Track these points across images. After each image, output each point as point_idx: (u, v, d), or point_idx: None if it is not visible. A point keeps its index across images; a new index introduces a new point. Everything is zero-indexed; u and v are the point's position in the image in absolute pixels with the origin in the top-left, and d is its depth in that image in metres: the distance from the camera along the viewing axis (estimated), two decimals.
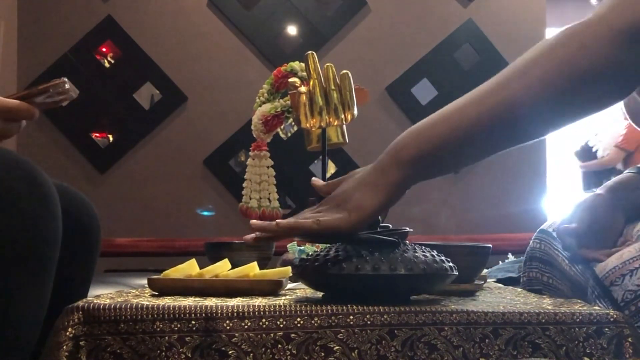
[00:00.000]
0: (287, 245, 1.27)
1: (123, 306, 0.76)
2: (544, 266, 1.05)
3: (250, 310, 0.76)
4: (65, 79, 0.87)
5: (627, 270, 0.81)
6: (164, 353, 0.74)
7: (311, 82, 1.31)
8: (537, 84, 0.70)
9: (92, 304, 0.76)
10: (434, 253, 0.82)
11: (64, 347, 0.74)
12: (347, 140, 1.51)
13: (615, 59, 0.67)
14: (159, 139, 2.87)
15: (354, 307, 0.76)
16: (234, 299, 0.84)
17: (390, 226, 1.02)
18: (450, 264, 0.83)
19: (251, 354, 0.74)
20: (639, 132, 3.29)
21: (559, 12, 3.22)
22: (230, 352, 0.73)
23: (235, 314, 0.75)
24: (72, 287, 0.98)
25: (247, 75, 2.87)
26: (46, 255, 0.79)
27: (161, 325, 0.75)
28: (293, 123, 1.57)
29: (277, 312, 0.75)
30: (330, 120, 1.32)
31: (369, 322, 0.75)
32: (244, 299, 0.84)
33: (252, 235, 0.81)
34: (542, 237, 1.06)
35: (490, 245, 1.02)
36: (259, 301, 0.81)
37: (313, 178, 0.92)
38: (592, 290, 0.86)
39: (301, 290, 1.02)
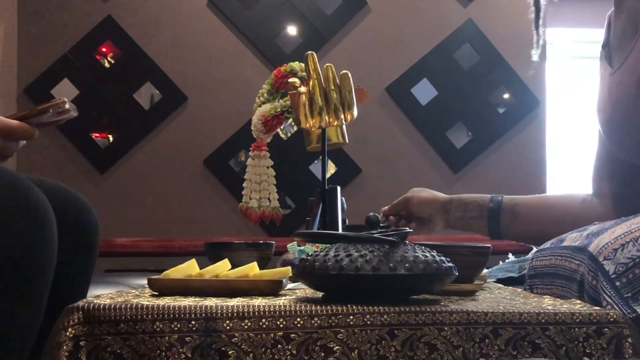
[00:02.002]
0: (287, 245, 1.27)
1: (123, 306, 0.76)
2: (540, 279, 1.06)
3: (250, 310, 0.76)
4: (65, 99, 0.88)
5: (618, 245, 0.84)
6: (164, 353, 0.74)
7: (311, 82, 1.31)
8: None
9: (92, 304, 0.76)
10: (434, 253, 0.82)
11: (64, 347, 0.74)
12: (347, 140, 1.51)
13: None
14: (159, 139, 2.87)
15: (354, 307, 0.76)
16: (234, 299, 0.84)
17: (391, 226, 1.02)
18: (450, 264, 0.83)
19: (251, 354, 0.74)
20: None
21: (559, 12, 3.22)
22: (230, 352, 0.74)
23: (235, 314, 0.75)
24: (72, 288, 0.98)
25: (247, 75, 2.86)
26: (40, 281, 0.79)
27: (161, 325, 0.75)
28: (293, 123, 1.57)
29: (277, 312, 0.75)
30: (330, 120, 1.32)
31: (369, 322, 0.75)
32: (244, 299, 0.84)
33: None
34: (538, 255, 1.09)
35: (490, 245, 1.02)
36: (259, 301, 0.81)
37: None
38: (589, 269, 0.87)
39: (301, 290, 1.02)
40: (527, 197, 1.40)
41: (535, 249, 1.20)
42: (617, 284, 0.81)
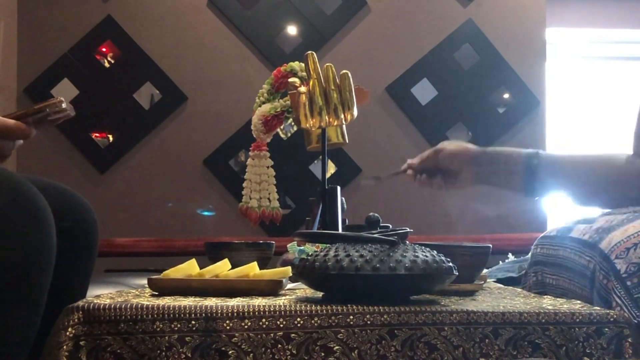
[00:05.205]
0: (287, 245, 1.27)
1: (123, 306, 0.76)
2: (547, 268, 1.06)
3: (250, 310, 0.76)
4: (62, 99, 0.87)
5: (631, 244, 0.83)
6: (164, 353, 0.74)
7: (311, 82, 1.31)
8: None
9: (92, 304, 0.76)
10: (434, 253, 0.82)
11: (64, 347, 0.74)
12: (347, 140, 1.51)
13: None
14: (159, 139, 2.87)
15: (354, 307, 0.76)
16: (234, 299, 0.84)
17: (390, 226, 1.02)
18: (450, 264, 0.83)
19: (251, 354, 0.74)
20: None
21: (559, 12, 3.22)
22: (230, 352, 0.74)
23: (235, 314, 0.75)
24: (71, 288, 0.98)
25: (247, 75, 2.86)
26: (38, 282, 0.79)
27: (161, 325, 0.75)
28: (293, 123, 1.57)
29: (277, 312, 0.75)
30: (330, 120, 1.32)
31: (369, 322, 0.75)
32: (244, 299, 0.84)
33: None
34: (544, 242, 1.08)
35: (490, 245, 1.02)
36: (259, 301, 0.81)
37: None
38: (600, 267, 0.87)
39: (301, 290, 1.02)
40: (565, 154, 1.26)
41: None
42: (628, 283, 0.81)
